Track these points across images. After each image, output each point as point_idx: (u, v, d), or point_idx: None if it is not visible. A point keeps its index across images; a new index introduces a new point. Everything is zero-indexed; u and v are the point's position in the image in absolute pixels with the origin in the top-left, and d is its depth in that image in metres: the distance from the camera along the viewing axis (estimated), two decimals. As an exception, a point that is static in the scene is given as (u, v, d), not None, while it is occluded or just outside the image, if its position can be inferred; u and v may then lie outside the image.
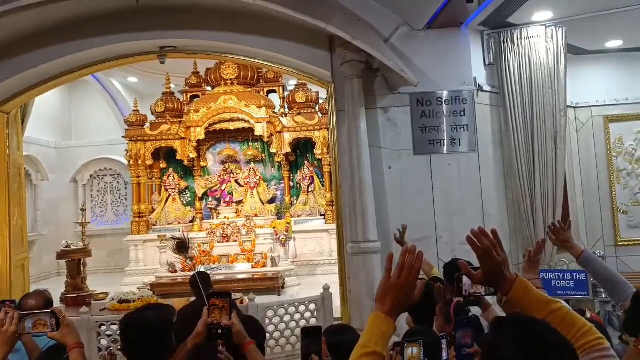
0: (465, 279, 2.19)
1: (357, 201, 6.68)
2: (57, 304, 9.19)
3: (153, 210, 14.34)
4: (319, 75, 7.33)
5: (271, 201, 14.41)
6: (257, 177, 14.42)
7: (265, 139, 13.89)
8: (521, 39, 7.25)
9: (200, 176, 14.62)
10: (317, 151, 13.86)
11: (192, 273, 7.30)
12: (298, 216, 13.87)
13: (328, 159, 13.18)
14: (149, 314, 2.69)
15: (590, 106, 8.76)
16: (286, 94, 14.64)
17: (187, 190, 14.69)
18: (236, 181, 14.53)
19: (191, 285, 5.92)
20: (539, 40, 7.22)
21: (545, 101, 7.21)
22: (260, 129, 13.60)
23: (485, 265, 1.97)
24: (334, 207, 8.99)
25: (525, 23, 7.15)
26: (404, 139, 6.90)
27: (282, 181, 14.54)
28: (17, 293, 7.80)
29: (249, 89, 14.16)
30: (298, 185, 14.40)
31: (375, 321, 1.81)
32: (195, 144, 14.01)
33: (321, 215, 13.84)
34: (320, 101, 14.13)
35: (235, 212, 14.13)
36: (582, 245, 3.35)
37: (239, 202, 14.37)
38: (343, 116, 6.90)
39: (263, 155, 14.66)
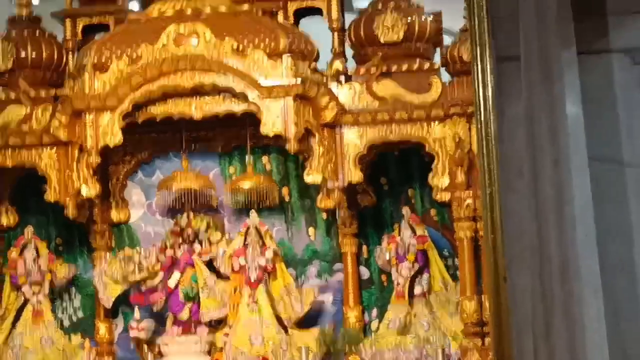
0: None
1: (556, 318, 3.58)
2: None
3: (-18, 341, 7.40)
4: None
5: (308, 321, 7.10)
6: (269, 253, 7.03)
7: (292, 146, 6.66)
8: None
9: (110, 250, 7.45)
10: (439, 181, 6.91)
11: None
12: (385, 363, 6.72)
13: (468, 201, 6.78)
14: None
15: None
16: (348, 18, 7.70)
17: (73, 289, 7.61)
18: (209, 264, 7.18)
19: None
20: None
21: None
22: (274, 117, 6.69)
23: None
24: (488, 338, 6.01)
25: None
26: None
27: (337, 264, 7.34)
28: None
29: (244, 5, 7.42)
30: (383, 277, 7.26)
31: None
32: (97, 159, 6.99)
33: (450, 363, 6.99)
34: (447, 40, 7.57)
35: (208, 352, 7.06)
36: None
37: (217, 325, 7.21)
38: (512, 75, 3.57)
39: (286, 189, 7.37)
